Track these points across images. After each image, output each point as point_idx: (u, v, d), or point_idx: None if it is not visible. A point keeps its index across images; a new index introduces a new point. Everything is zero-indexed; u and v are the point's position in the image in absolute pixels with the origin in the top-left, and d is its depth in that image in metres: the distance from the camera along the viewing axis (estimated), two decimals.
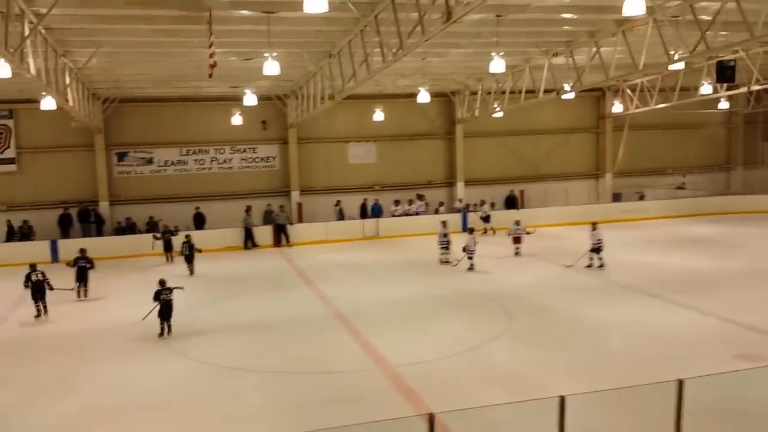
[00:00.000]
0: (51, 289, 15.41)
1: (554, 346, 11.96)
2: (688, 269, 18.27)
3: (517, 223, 20.95)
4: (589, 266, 18.23)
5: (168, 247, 22.45)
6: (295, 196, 28.18)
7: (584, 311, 14.21)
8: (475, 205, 28.05)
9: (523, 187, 30.57)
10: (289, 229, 25.92)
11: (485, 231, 19.83)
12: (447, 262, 20.03)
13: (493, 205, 28.65)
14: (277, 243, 25.65)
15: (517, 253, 20.64)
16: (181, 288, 14.24)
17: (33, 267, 15.51)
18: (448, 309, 14.99)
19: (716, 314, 13.41)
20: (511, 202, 29.77)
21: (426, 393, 9.70)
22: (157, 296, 13.30)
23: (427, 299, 15.97)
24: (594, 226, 18.64)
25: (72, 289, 16.59)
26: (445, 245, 20.19)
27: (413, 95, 24.93)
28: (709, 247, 21.76)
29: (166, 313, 13.29)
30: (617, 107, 30.12)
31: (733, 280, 16.79)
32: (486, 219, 26.26)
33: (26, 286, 15.23)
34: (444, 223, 20.74)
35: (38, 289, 15.18)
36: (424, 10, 12.08)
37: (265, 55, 16.12)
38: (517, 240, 20.64)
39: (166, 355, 12.22)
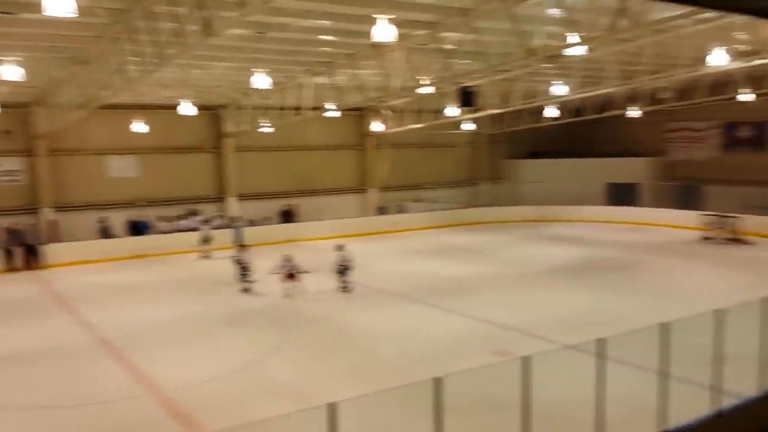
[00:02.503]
0: None
1: (329, 355, 12.37)
2: (447, 275, 19.90)
3: (288, 259, 16.98)
4: (345, 288, 17.18)
5: None
6: (47, 212, 25.49)
7: (356, 319, 14.92)
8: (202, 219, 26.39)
9: (297, 201, 31.01)
10: (40, 249, 23.38)
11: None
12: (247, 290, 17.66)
13: (255, 221, 28.50)
14: (28, 265, 23.00)
15: (288, 295, 16.73)
16: None
17: None
18: (224, 326, 14.70)
19: (474, 315, 14.85)
20: (287, 216, 30.09)
21: (203, 414, 9.43)
22: None
23: (201, 317, 15.50)
24: (340, 247, 17.39)
25: None
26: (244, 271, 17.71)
27: (177, 107, 23.99)
28: (464, 255, 23.97)
29: None
30: (377, 126, 31.83)
31: (486, 283, 18.62)
32: (205, 240, 23.54)
33: None
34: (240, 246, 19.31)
35: None
36: (181, 21, 11.66)
37: (2, 58, 14.53)
38: (291, 277, 16.80)
39: None
